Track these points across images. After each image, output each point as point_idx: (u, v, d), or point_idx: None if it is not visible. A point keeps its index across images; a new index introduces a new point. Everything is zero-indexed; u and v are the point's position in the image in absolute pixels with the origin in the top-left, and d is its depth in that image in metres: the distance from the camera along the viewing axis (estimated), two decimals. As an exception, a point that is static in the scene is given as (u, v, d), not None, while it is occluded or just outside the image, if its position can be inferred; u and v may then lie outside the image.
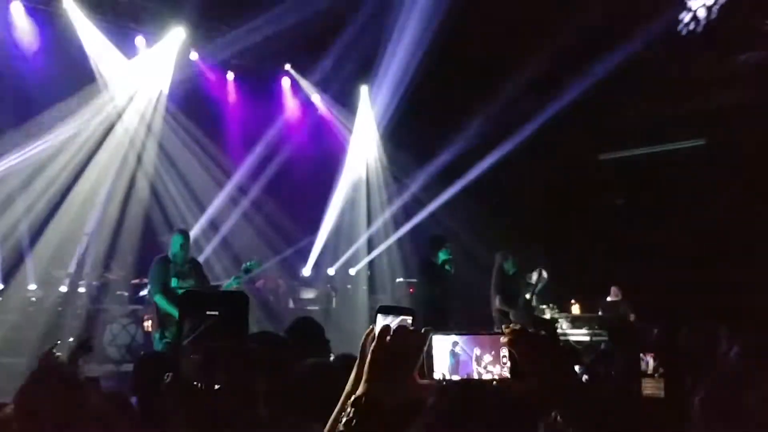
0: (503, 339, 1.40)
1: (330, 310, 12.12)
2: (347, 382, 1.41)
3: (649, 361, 2.07)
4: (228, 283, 7.01)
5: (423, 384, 1.36)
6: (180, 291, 6.75)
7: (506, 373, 1.38)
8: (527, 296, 8.77)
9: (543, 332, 8.27)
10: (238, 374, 2.04)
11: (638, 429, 1.80)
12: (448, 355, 1.38)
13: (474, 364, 1.38)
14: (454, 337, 1.40)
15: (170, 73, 12.15)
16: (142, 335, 9.76)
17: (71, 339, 9.68)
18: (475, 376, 1.40)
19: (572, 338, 10.78)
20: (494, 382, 1.40)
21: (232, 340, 2.00)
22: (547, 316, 10.87)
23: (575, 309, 12.12)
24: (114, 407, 3.32)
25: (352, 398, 1.27)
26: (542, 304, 10.78)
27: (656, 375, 2.04)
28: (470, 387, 1.51)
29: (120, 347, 9.59)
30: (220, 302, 2.05)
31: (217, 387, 1.99)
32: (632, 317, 11.11)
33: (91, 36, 11.21)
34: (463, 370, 1.39)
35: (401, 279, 12.70)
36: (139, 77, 11.93)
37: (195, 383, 2.00)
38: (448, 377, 1.40)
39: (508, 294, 8.68)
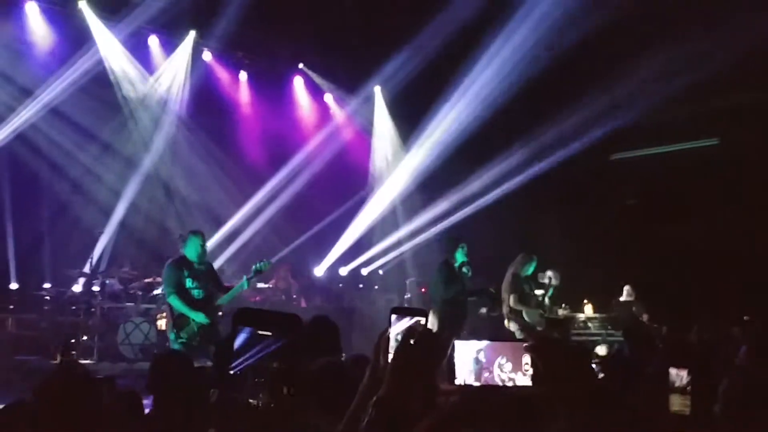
0: (526, 347, 1.40)
1: (342, 309, 12.14)
2: (360, 382, 1.42)
3: (683, 376, 2.05)
4: (239, 285, 6.97)
5: (445, 388, 1.37)
6: (195, 292, 6.78)
7: (528, 380, 1.38)
8: (539, 296, 8.75)
9: (555, 333, 8.29)
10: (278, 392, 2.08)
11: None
12: (471, 361, 1.39)
13: (496, 370, 1.39)
14: (477, 344, 1.41)
15: (186, 77, 12.32)
16: (156, 334, 9.82)
17: (85, 337, 9.77)
18: (497, 382, 1.41)
19: (585, 338, 10.75)
20: (516, 389, 1.41)
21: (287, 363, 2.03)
22: (560, 315, 10.83)
23: (588, 309, 12.07)
24: (126, 406, 3.35)
25: (374, 399, 1.27)
26: (555, 304, 10.75)
27: (687, 389, 2.01)
28: (491, 392, 1.52)
29: (134, 346, 9.62)
30: (273, 323, 2.06)
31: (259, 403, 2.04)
32: (645, 317, 11.06)
33: (106, 39, 11.31)
34: (485, 376, 1.40)
35: (413, 279, 12.69)
36: (155, 82, 12.09)
37: (251, 401, 2.06)
38: (470, 382, 1.41)
39: (522, 293, 8.67)
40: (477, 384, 1.39)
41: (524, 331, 8.51)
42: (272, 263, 7.78)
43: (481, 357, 1.36)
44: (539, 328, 8.57)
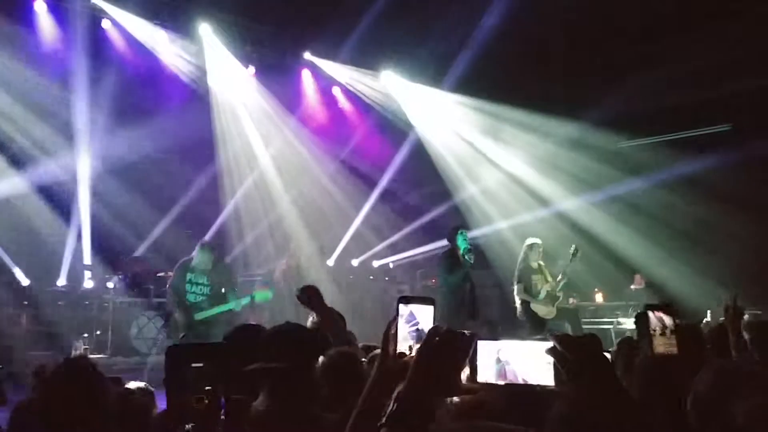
0: (547, 349, 1.39)
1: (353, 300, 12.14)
2: (369, 372, 1.42)
3: (663, 318, 1.99)
4: (224, 306, 7.28)
5: (467, 386, 1.36)
6: (189, 296, 7.28)
7: (550, 379, 1.37)
8: (549, 287, 8.56)
9: (567, 323, 8.18)
10: None
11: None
12: (493, 359, 1.39)
13: (518, 369, 1.38)
14: (499, 342, 1.41)
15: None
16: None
17: (98, 332, 9.86)
18: (519, 381, 1.41)
19: (595, 327, 10.72)
20: (538, 388, 1.40)
21: None
22: (571, 304, 10.76)
23: (599, 297, 12.05)
24: (138, 402, 3.33)
25: (396, 392, 1.28)
26: (565, 292, 10.69)
27: (668, 332, 1.95)
28: (513, 391, 1.51)
29: (146, 340, 9.73)
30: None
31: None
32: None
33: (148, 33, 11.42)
34: (507, 375, 1.39)
35: (423, 269, 12.68)
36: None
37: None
38: (492, 381, 1.40)
39: (528, 284, 8.53)
40: (500, 382, 1.38)
41: (526, 319, 8.42)
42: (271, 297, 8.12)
43: (503, 355, 1.35)
44: (548, 318, 8.46)
